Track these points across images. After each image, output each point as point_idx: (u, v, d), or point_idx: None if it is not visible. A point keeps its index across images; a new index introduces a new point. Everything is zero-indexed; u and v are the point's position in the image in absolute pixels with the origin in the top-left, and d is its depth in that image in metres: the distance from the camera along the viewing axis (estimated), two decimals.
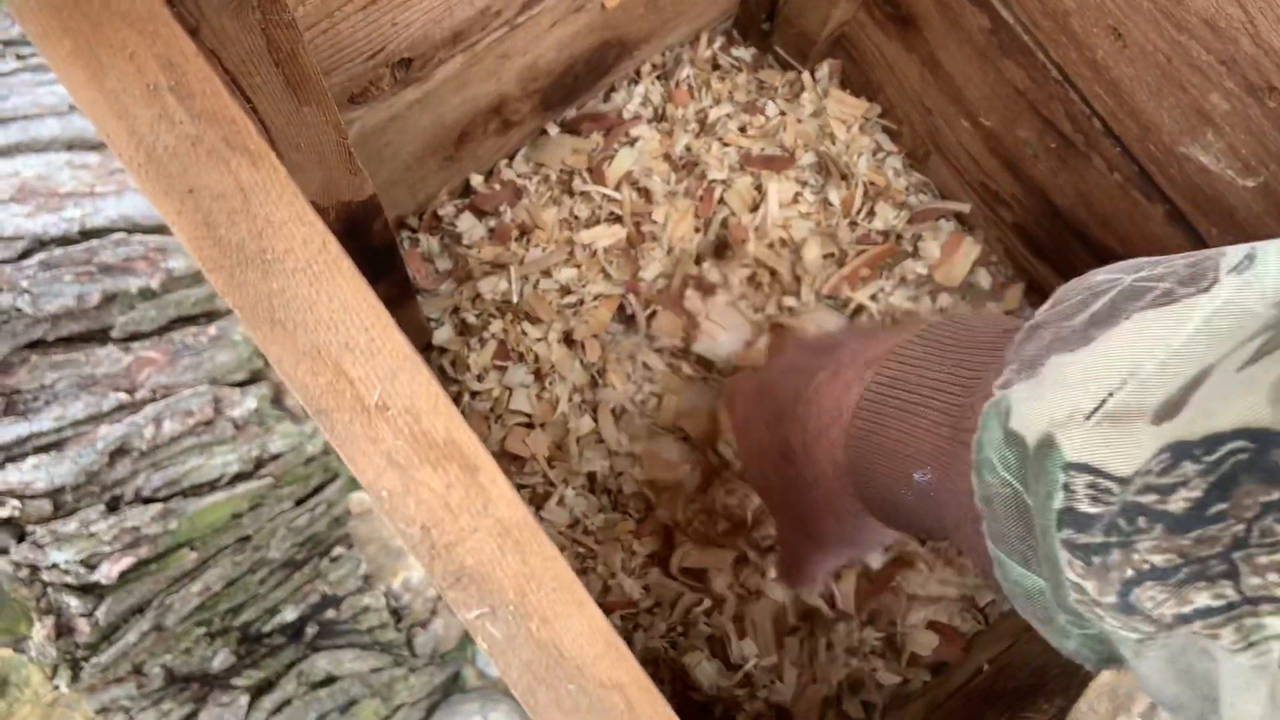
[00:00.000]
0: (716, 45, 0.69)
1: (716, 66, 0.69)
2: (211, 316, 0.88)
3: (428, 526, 0.21)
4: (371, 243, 0.42)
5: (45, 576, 0.87)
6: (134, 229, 0.87)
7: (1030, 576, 0.26)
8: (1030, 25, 0.51)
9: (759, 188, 0.66)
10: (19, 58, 0.88)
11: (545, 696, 0.21)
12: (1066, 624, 0.25)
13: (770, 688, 0.57)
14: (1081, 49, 0.49)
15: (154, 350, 0.87)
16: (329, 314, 0.21)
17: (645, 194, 0.65)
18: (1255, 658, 0.20)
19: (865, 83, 0.67)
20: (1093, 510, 0.23)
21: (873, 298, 0.65)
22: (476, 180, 0.64)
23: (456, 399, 0.61)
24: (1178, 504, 0.21)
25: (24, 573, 0.86)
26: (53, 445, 0.86)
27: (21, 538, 0.84)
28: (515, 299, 0.61)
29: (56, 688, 0.89)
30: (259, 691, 0.88)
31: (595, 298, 0.63)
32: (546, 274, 0.62)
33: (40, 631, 0.87)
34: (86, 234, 0.87)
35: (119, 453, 0.86)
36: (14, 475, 0.84)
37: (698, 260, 0.64)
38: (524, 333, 0.61)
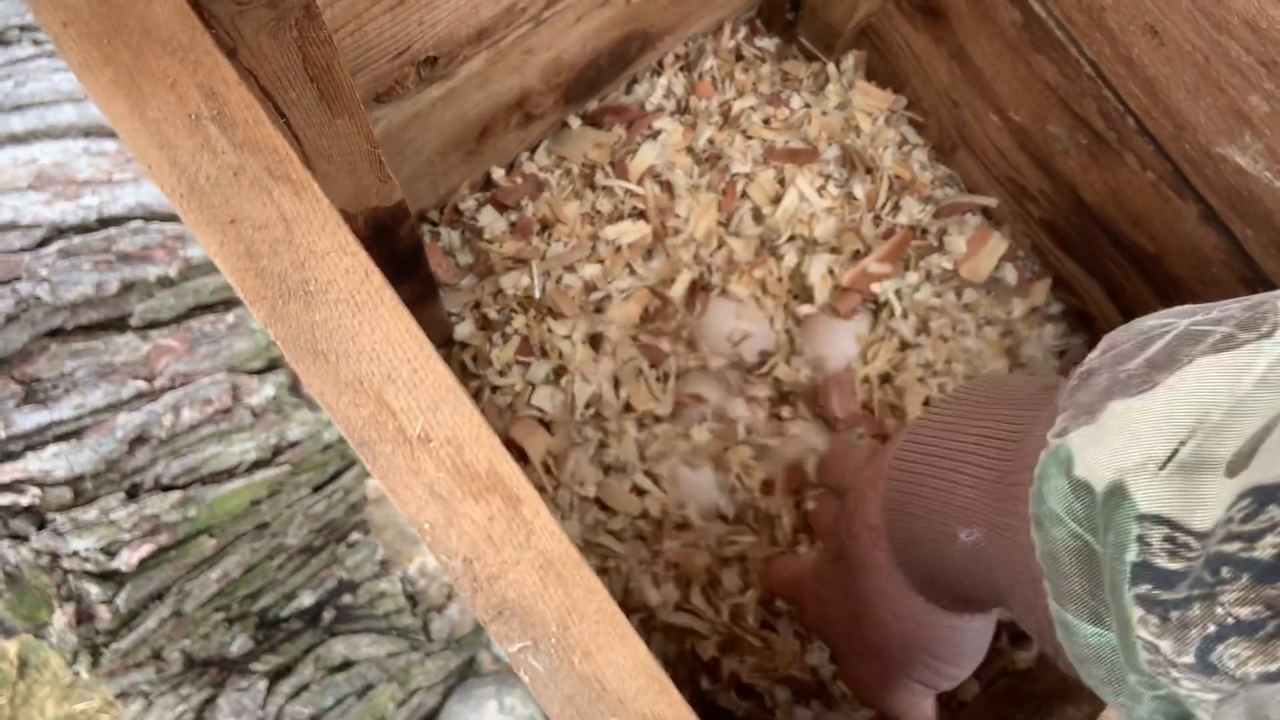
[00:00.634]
0: (740, 36, 0.68)
1: (740, 58, 0.68)
2: (229, 304, 0.88)
3: (470, 559, 0.21)
4: (398, 246, 0.41)
5: (65, 564, 0.87)
6: (151, 217, 0.86)
7: (1102, 634, 0.25)
8: (1064, 20, 0.50)
9: (782, 181, 0.65)
10: (35, 43, 0.88)
11: None
12: (1138, 685, 0.24)
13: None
14: (1117, 46, 0.48)
15: (172, 338, 0.87)
16: (371, 345, 0.20)
17: (668, 188, 0.64)
18: None
19: (891, 74, 0.66)
20: (1171, 565, 0.22)
21: (897, 293, 0.64)
22: (498, 174, 0.63)
23: (477, 394, 0.61)
24: (1266, 550, 0.20)
25: (44, 560, 0.86)
26: (72, 433, 0.86)
27: (42, 525, 0.85)
28: (538, 294, 0.61)
29: (77, 673, 0.89)
30: (277, 676, 0.89)
31: (623, 293, 0.63)
32: (570, 269, 0.62)
33: (61, 618, 0.88)
34: (104, 222, 0.87)
35: (138, 441, 0.86)
36: (34, 463, 0.84)
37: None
38: (549, 330, 0.61)
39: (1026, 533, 0.27)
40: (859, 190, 0.65)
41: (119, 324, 0.86)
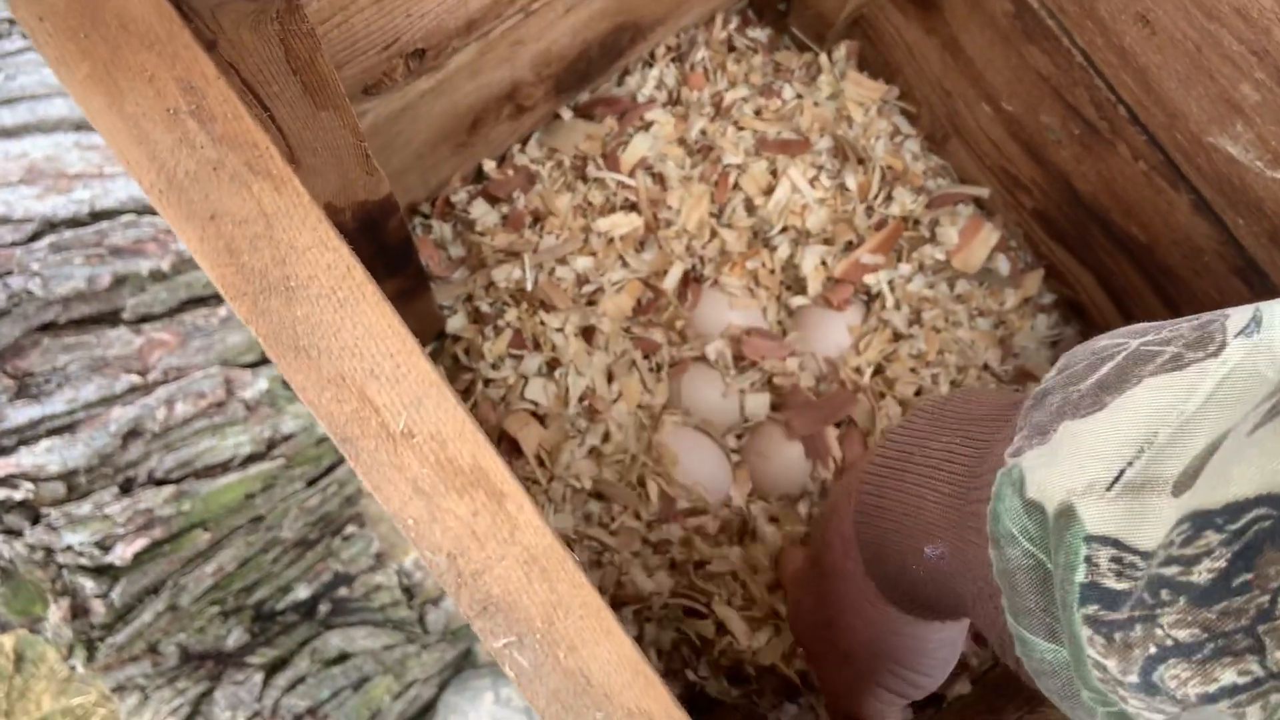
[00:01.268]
0: (732, 26, 0.68)
1: (732, 48, 0.68)
2: (222, 298, 0.87)
3: (454, 554, 0.21)
4: (387, 240, 0.41)
5: (60, 558, 0.87)
6: (143, 211, 0.86)
7: (1056, 650, 0.26)
8: (1055, 10, 0.50)
9: (774, 172, 0.65)
10: (25, 37, 0.87)
11: None
12: (1091, 701, 0.24)
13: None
14: (1108, 35, 0.48)
15: (165, 332, 0.87)
16: (353, 341, 0.20)
17: (660, 179, 0.64)
18: None
19: (883, 64, 0.66)
20: (1117, 586, 0.22)
21: (889, 284, 0.64)
22: (489, 166, 0.63)
23: (470, 387, 0.61)
24: (1201, 575, 0.20)
25: (39, 555, 0.86)
26: (65, 428, 0.86)
27: (36, 520, 0.85)
28: (530, 287, 0.60)
29: (73, 667, 0.89)
30: (273, 669, 0.89)
31: (615, 285, 0.62)
32: (562, 262, 0.62)
33: (55, 613, 0.88)
34: (96, 215, 0.86)
35: (131, 435, 0.86)
36: (27, 458, 0.84)
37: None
38: (541, 322, 0.61)
39: (986, 549, 0.28)
40: (851, 181, 0.65)
41: (111, 318, 0.85)
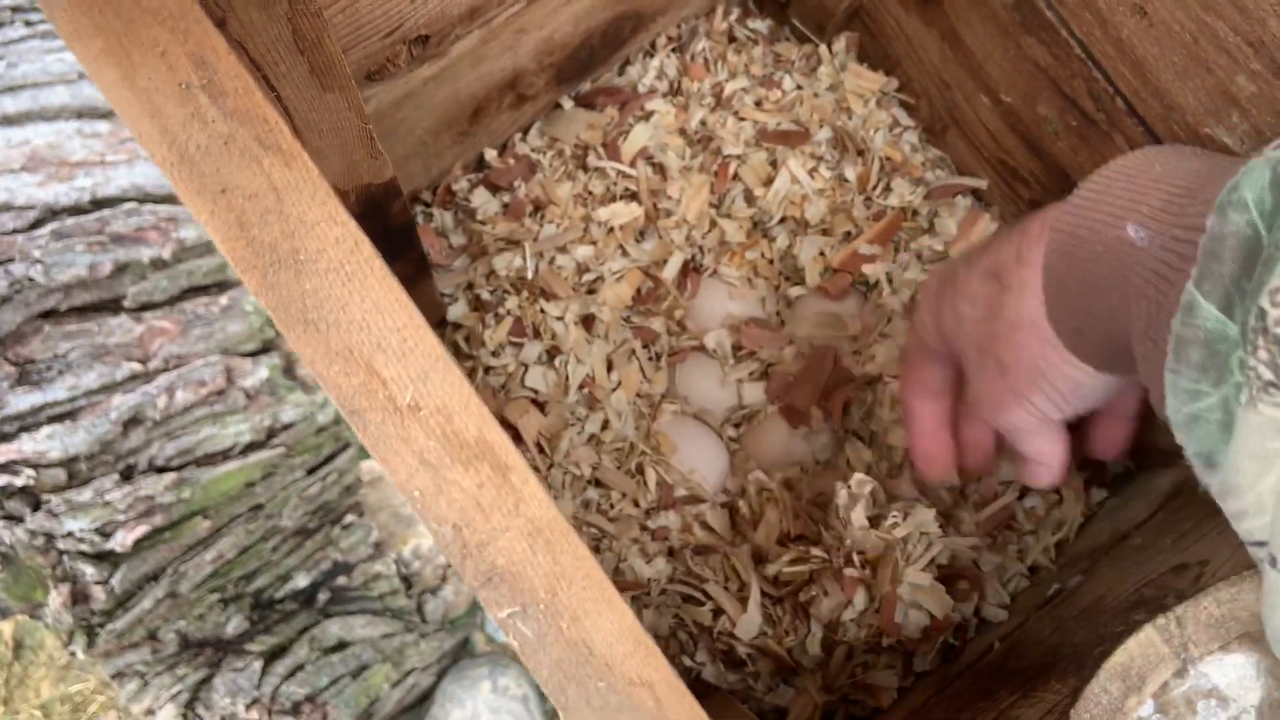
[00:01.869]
0: (733, 18, 0.68)
1: (733, 39, 0.68)
2: (223, 286, 0.88)
3: (459, 526, 0.21)
4: (390, 224, 0.41)
5: (61, 545, 0.87)
6: (145, 199, 0.86)
7: (1220, 319, 0.27)
8: (1054, 1, 0.50)
9: (774, 163, 0.65)
10: (28, 24, 0.87)
11: (575, 694, 0.21)
12: (1235, 365, 0.26)
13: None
14: (1106, 27, 0.48)
15: (166, 320, 0.87)
16: (361, 315, 0.21)
17: (660, 169, 0.65)
18: None
19: (883, 56, 0.67)
20: None
21: (888, 275, 0.64)
22: (490, 154, 0.63)
23: (471, 374, 0.62)
24: None
25: (40, 541, 0.86)
26: (66, 415, 0.86)
27: (37, 506, 0.85)
28: (530, 275, 0.61)
29: (72, 653, 0.89)
30: (272, 656, 0.89)
31: (615, 274, 0.63)
32: (562, 250, 0.62)
33: (56, 599, 0.88)
34: (98, 203, 0.87)
35: (132, 422, 0.86)
36: (29, 444, 0.84)
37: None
38: (542, 310, 0.61)
39: (1197, 230, 0.29)
40: (850, 172, 0.65)
41: (113, 306, 0.86)
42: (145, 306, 0.84)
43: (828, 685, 0.57)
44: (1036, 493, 0.60)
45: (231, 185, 0.20)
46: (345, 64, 0.29)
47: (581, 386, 0.61)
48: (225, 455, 0.86)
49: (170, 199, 0.87)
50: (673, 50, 0.67)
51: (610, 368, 0.63)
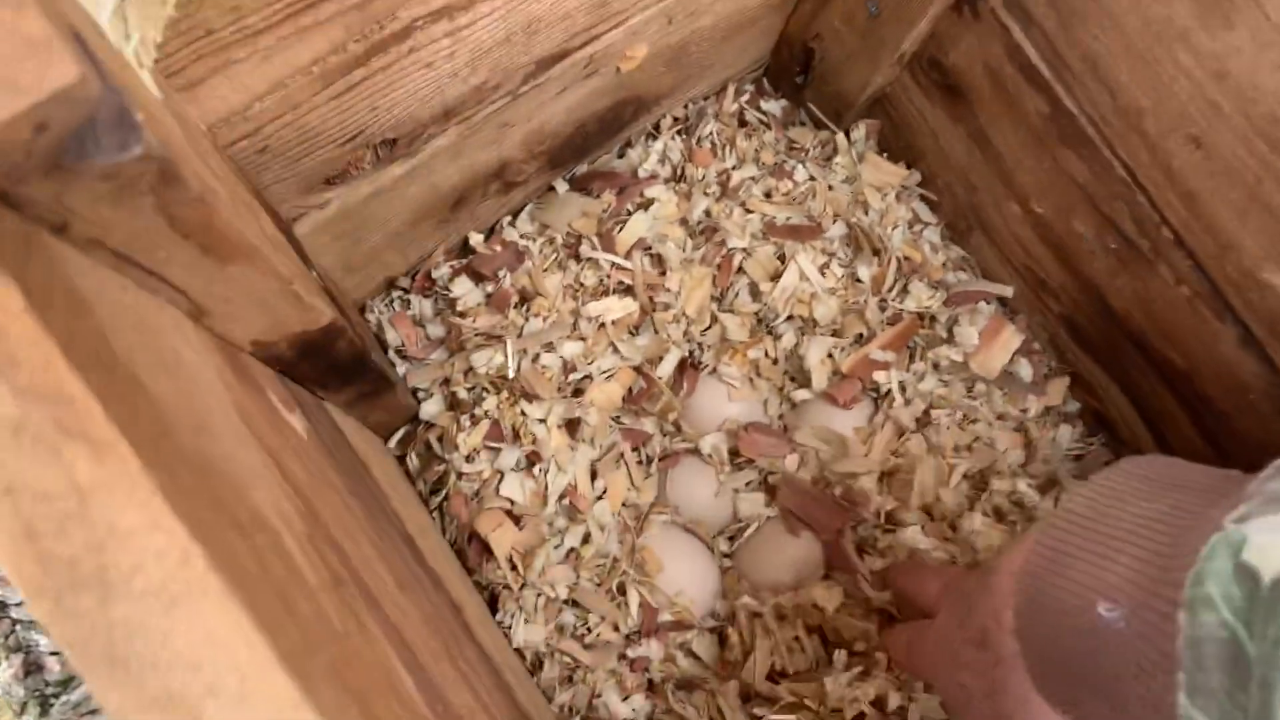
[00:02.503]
0: (744, 99, 0.63)
1: (743, 123, 0.63)
2: None
3: None
4: (337, 359, 0.37)
5: (13, 614, 0.82)
6: None
7: None
8: (1096, 119, 0.45)
9: (782, 257, 0.60)
10: None
11: None
12: None
13: None
14: (1155, 152, 0.43)
15: None
16: (188, 649, 0.16)
17: (658, 260, 0.60)
18: None
19: (905, 148, 0.62)
20: None
21: (900, 385, 0.59)
22: (476, 239, 0.59)
23: (443, 478, 0.57)
24: None
25: None
26: None
27: None
28: (511, 374, 0.56)
29: None
30: None
31: (605, 373, 0.58)
32: (548, 348, 0.57)
33: (8, 670, 0.83)
34: None
35: None
36: None
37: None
38: (522, 413, 0.56)
39: (1172, 620, 0.26)
40: (864, 272, 0.60)
41: None
42: None
43: None
44: None
45: (19, 484, 0.15)
46: (250, 235, 0.24)
47: (562, 497, 0.56)
48: None
49: None
50: (678, 132, 0.62)
51: (595, 476, 0.57)
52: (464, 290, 0.58)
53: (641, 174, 0.61)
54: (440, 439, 0.57)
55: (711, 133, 0.62)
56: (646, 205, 0.60)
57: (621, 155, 0.62)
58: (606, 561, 0.56)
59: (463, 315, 0.58)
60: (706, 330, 0.61)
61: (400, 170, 0.45)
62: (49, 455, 0.15)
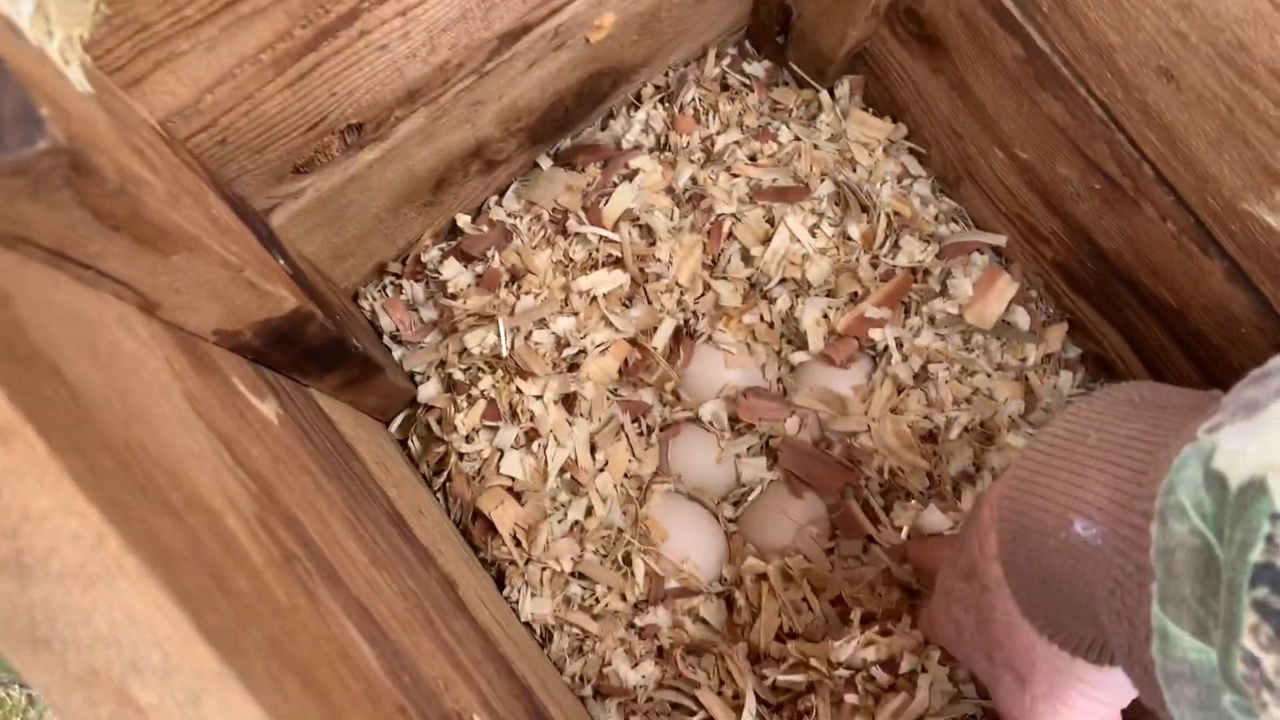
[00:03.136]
0: (725, 62, 0.63)
1: (725, 87, 0.63)
2: None
3: None
4: (310, 345, 0.37)
5: None
6: None
7: (1201, 650, 0.23)
8: (1070, 58, 0.44)
9: (771, 220, 0.60)
10: None
11: None
12: (1233, 709, 0.22)
13: None
14: (1129, 89, 0.43)
15: None
16: (109, 627, 0.16)
17: (647, 232, 0.60)
18: None
19: (890, 100, 0.61)
20: None
21: (897, 341, 0.59)
22: (463, 220, 0.59)
23: (444, 459, 0.57)
24: None
25: None
26: None
27: None
28: (505, 353, 0.56)
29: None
30: None
31: (599, 346, 0.58)
32: (541, 324, 0.57)
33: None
34: None
35: None
36: None
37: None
38: (518, 391, 0.56)
39: (1146, 533, 0.26)
40: (855, 230, 0.60)
41: None
42: None
43: None
44: None
45: None
46: (188, 225, 0.24)
47: (563, 471, 0.57)
48: None
49: None
50: (660, 101, 0.62)
51: (594, 449, 0.58)
52: (454, 272, 0.58)
53: (625, 145, 0.61)
54: (439, 421, 0.58)
55: (694, 99, 0.62)
56: (632, 176, 0.60)
57: (604, 128, 0.62)
58: (611, 533, 0.57)
59: (454, 297, 0.58)
60: (700, 298, 0.61)
61: (372, 155, 0.45)
62: None
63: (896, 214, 0.60)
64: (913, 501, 0.56)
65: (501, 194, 0.60)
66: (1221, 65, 0.37)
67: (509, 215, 0.60)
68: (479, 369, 0.57)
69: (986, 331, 0.59)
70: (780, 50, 0.63)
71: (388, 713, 0.22)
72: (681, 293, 0.60)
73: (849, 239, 0.60)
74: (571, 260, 0.59)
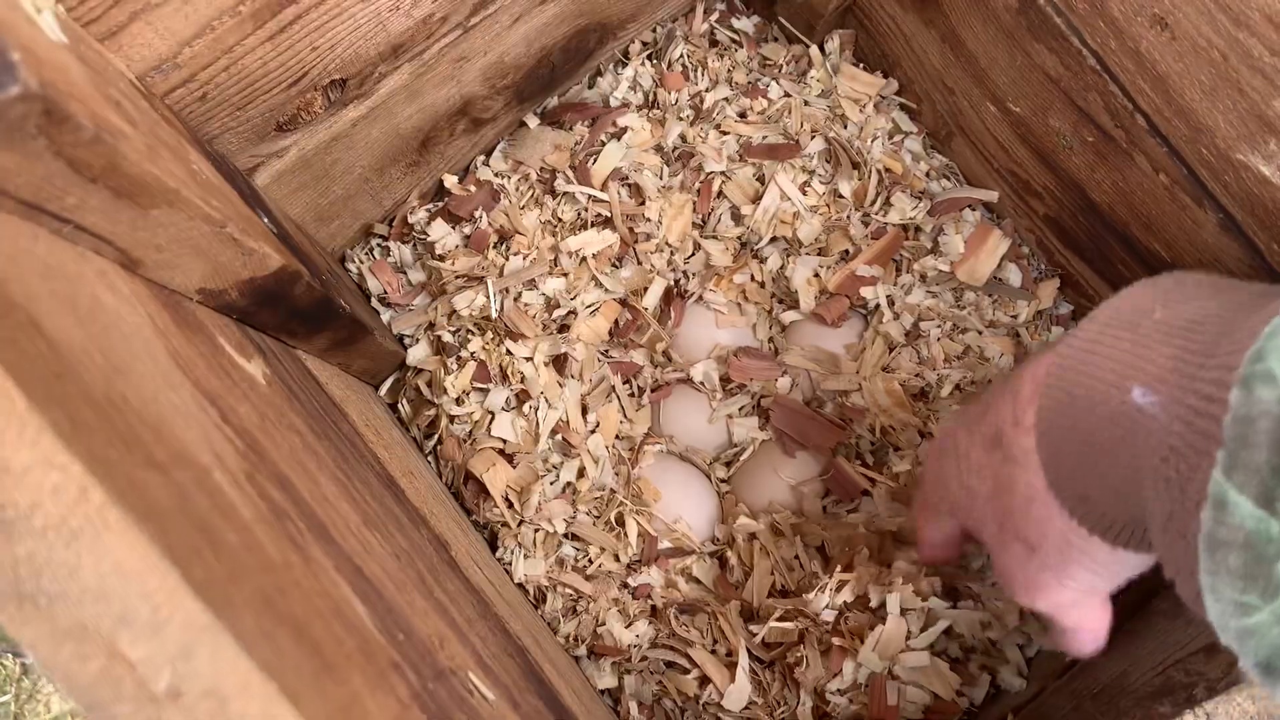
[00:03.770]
0: (714, 17, 0.62)
1: (714, 43, 0.62)
2: None
3: None
4: (296, 305, 0.37)
5: None
6: None
7: (1262, 517, 0.23)
8: (1063, 7, 0.44)
9: (761, 178, 0.60)
10: None
11: None
12: None
13: None
14: (1122, 38, 0.42)
15: None
16: (96, 581, 0.16)
17: (636, 191, 0.59)
18: None
19: (880, 55, 0.60)
20: None
21: (889, 299, 0.59)
22: (450, 181, 0.58)
23: (434, 423, 0.57)
24: None
25: None
26: None
27: None
28: (494, 314, 0.56)
29: None
30: None
31: (589, 307, 0.58)
32: (530, 285, 0.57)
33: None
34: None
35: None
36: None
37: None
38: (508, 353, 0.56)
39: (1217, 401, 0.25)
40: (846, 187, 0.59)
41: None
42: None
43: None
44: None
45: None
46: (167, 178, 0.24)
47: (554, 433, 0.57)
48: None
49: None
50: (648, 57, 0.61)
51: (585, 410, 0.58)
52: (441, 233, 0.58)
53: (613, 103, 0.60)
54: (429, 384, 0.57)
55: (682, 55, 0.61)
56: (620, 134, 0.59)
57: (592, 85, 0.61)
58: (604, 494, 0.57)
59: (442, 259, 0.57)
60: (690, 258, 0.60)
61: (356, 113, 0.44)
62: None
63: (888, 171, 0.60)
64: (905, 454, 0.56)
65: (488, 154, 0.60)
66: (1217, 12, 0.37)
67: (496, 175, 0.59)
68: (468, 331, 0.57)
69: (978, 289, 0.59)
70: (769, 5, 0.62)
71: (381, 669, 0.22)
72: (671, 252, 0.60)
73: (840, 196, 0.60)
74: (560, 220, 0.58)
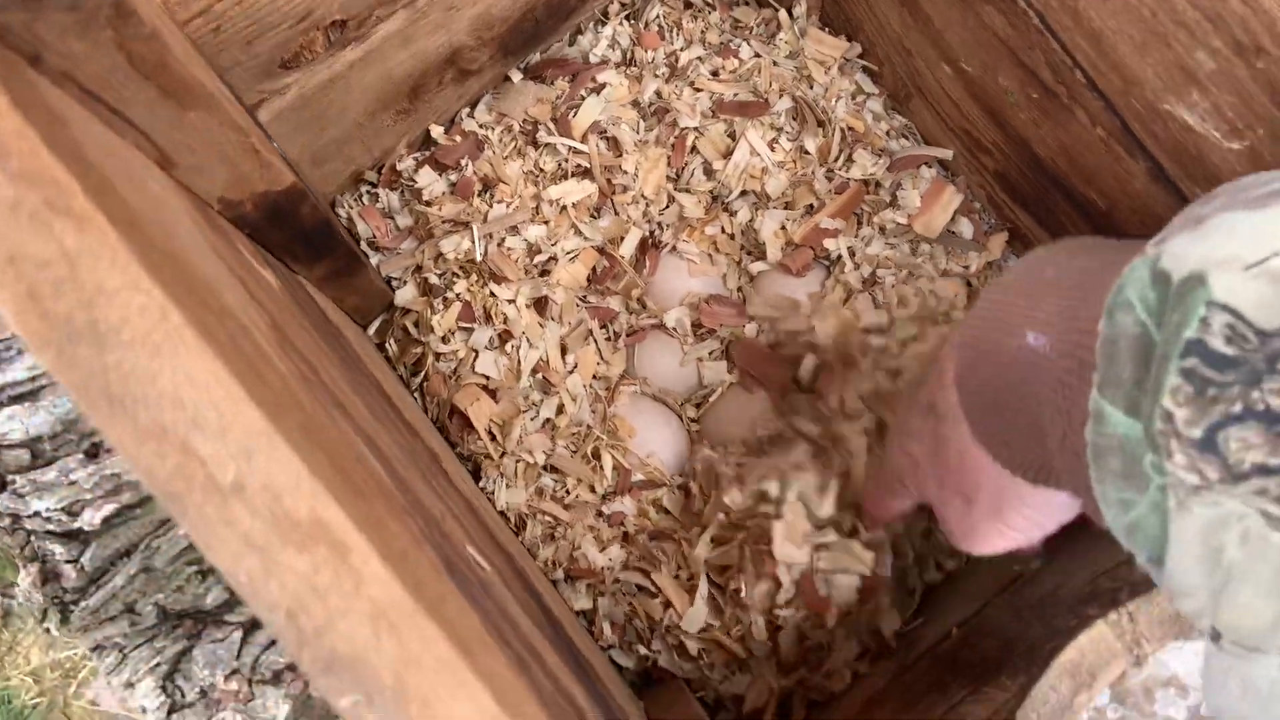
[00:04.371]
0: None
1: (689, 5, 0.65)
2: None
3: (294, 611, 0.20)
4: (302, 225, 0.40)
5: (28, 524, 0.87)
6: None
7: (1131, 423, 0.27)
8: None
9: (733, 135, 0.63)
10: None
11: None
12: (1150, 469, 0.26)
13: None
14: None
15: None
16: (173, 389, 0.19)
17: (614, 144, 0.62)
18: None
19: (845, 19, 0.64)
20: (1224, 349, 0.24)
21: (850, 250, 0.62)
22: (437, 131, 0.61)
23: (421, 360, 0.60)
24: None
25: (6, 521, 0.85)
26: (27, 395, 0.84)
27: (2, 487, 0.84)
28: (479, 258, 0.59)
29: (48, 630, 0.89)
30: (252, 626, 0.89)
31: (569, 254, 0.61)
32: (513, 231, 0.60)
33: (25, 578, 0.87)
34: None
35: None
36: None
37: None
38: (492, 294, 0.59)
39: (1092, 334, 0.29)
40: (811, 144, 0.63)
41: None
42: None
43: (782, 671, 0.56)
44: None
45: (20, 254, 0.18)
46: (205, 82, 0.27)
47: (535, 371, 0.60)
48: None
49: None
50: (626, 17, 0.64)
51: (565, 351, 0.61)
52: (429, 181, 0.61)
53: (593, 59, 0.63)
54: (416, 324, 0.60)
55: (658, 16, 0.64)
56: (599, 90, 0.62)
57: (572, 43, 0.64)
58: (581, 430, 0.60)
59: (429, 205, 0.60)
60: (665, 210, 0.64)
61: (353, 55, 0.47)
62: (42, 229, 0.18)
63: (850, 129, 0.63)
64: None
65: (473, 106, 0.63)
66: None
67: (481, 126, 0.62)
68: (454, 273, 0.60)
69: (933, 241, 0.63)
70: None
71: (397, 510, 0.25)
72: (647, 204, 0.63)
73: (806, 153, 0.63)
74: (542, 170, 0.62)
